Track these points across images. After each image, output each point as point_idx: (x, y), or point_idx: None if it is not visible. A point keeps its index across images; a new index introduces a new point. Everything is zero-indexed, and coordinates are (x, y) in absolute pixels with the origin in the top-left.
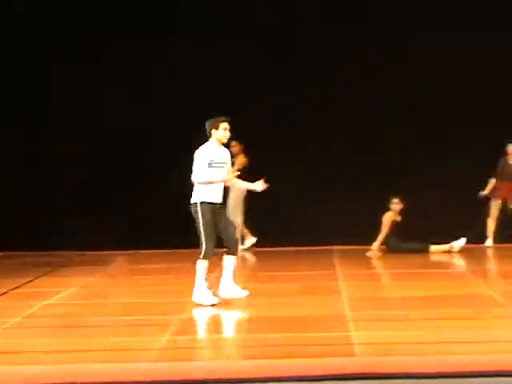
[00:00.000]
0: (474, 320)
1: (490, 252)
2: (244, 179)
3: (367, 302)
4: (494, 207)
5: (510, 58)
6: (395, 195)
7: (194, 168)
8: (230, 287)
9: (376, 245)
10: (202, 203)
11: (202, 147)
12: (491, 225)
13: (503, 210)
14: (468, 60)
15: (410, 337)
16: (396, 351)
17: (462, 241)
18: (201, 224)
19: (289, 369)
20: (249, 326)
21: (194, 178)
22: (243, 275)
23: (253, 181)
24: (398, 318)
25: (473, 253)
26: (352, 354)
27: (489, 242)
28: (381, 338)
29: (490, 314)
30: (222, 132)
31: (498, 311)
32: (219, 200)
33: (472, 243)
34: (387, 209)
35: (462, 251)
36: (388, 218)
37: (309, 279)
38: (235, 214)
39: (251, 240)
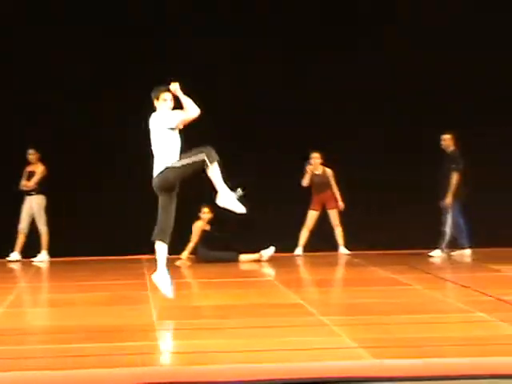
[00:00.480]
0: (283, 328)
1: (299, 261)
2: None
3: (176, 310)
4: (310, 217)
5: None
6: (205, 204)
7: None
8: None
9: (185, 254)
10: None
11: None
12: (304, 234)
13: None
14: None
15: (218, 346)
16: (204, 360)
17: (271, 250)
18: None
19: (98, 380)
20: (56, 336)
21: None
22: (49, 287)
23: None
24: (207, 327)
25: (282, 261)
26: (159, 364)
27: (298, 250)
28: (189, 347)
29: (299, 322)
30: (161, 103)
31: (308, 320)
32: None
33: (281, 252)
34: (197, 218)
35: (270, 260)
36: (198, 228)
37: (118, 289)
38: (41, 222)
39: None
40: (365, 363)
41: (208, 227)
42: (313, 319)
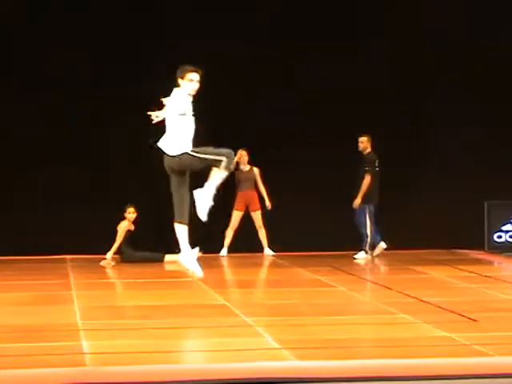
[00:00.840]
0: (207, 329)
1: (224, 261)
2: None
3: (100, 311)
4: (235, 218)
5: None
6: (130, 204)
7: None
8: None
9: (110, 254)
10: None
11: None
12: (229, 234)
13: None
14: None
15: (141, 346)
16: (127, 361)
17: (196, 250)
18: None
19: (21, 380)
20: None
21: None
22: None
23: None
24: (131, 327)
25: (207, 262)
26: (83, 364)
27: (223, 251)
28: (112, 348)
29: (224, 323)
30: (187, 83)
31: (232, 320)
32: None
33: (207, 253)
34: (122, 218)
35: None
36: (123, 228)
37: (42, 288)
38: None
39: None
40: (288, 364)
41: (132, 227)
42: (237, 320)
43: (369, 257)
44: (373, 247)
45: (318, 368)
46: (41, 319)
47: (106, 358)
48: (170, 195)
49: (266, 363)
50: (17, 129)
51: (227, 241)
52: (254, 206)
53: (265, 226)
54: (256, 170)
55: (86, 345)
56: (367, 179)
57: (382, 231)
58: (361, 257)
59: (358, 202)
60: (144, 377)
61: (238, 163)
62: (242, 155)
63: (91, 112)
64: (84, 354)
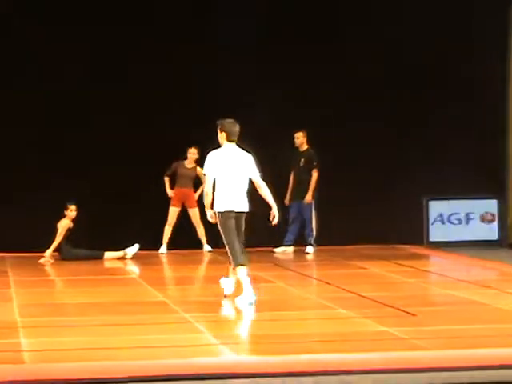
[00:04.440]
0: (146, 325)
1: (163, 258)
2: None
3: (39, 308)
4: (171, 214)
5: None
6: (72, 202)
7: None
8: None
9: (49, 251)
10: None
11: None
12: (168, 231)
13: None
14: None
15: (79, 343)
16: (66, 358)
17: (135, 247)
18: None
19: None
20: None
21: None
22: None
23: None
24: (69, 325)
25: (146, 259)
26: (22, 361)
27: (163, 248)
28: (52, 345)
29: (163, 319)
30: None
31: (171, 317)
32: None
33: (145, 250)
34: (63, 215)
35: (135, 258)
36: (64, 226)
37: None
38: None
39: None
40: (226, 359)
41: (71, 225)
42: (176, 316)
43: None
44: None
45: (256, 363)
46: None
47: (45, 355)
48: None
49: (205, 359)
50: None
51: (166, 238)
52: (191, 203)
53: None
54: (200, 170)
55: (24, 342)
56: (316, 174)
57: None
58: (310, 251)
59: (309, 197)
60: (83, 374)
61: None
62: (191, 152)
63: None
64: (23, 351)
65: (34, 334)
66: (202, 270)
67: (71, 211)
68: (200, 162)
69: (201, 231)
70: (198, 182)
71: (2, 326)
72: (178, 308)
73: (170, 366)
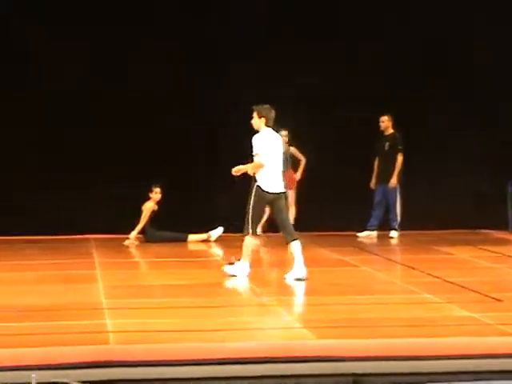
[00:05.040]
0: (230, 308)
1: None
2: None
3: (124, 290)
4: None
5: None
6: (157, 184)
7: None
8: None
9: (134, 234)
10: None
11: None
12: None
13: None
14: None
15: (166, 324)
16: (150, 339)
17: (219, 230)
18: None
19: (46, 357)
20: (10, 314)
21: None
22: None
23: None
24: (155, 306)
25: (230, 242)
26: (107, 342)
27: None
28: (136, 326)
29: (247, 302)
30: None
31: (255, 300)
32: None
33: (230, 232)
34: (148, 198)
35: (218, 240)
36: (148, 208)
37: (66, 267)
38: None
39: None
40: (308, 343)
41: (156, 207)
42: (260, 299)
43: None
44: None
45: (341, 347)
46: (66, 298)
47: (130, 336)
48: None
49: (288, 342)
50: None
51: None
52: (290, 185)
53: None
54: (293, 149)
55: (109, 323)
56: (401, 158)
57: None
58: (394, 235)
59: (394, 181)
60: (167, 355)
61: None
62: (283, 135)
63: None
64: (108, 332)
65: (119, 315)
66: (285, 252)
67: (156, 193)
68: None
69: (292, 212)
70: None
71: (88, 308)
72: (262, 291)
73: (252, 348)
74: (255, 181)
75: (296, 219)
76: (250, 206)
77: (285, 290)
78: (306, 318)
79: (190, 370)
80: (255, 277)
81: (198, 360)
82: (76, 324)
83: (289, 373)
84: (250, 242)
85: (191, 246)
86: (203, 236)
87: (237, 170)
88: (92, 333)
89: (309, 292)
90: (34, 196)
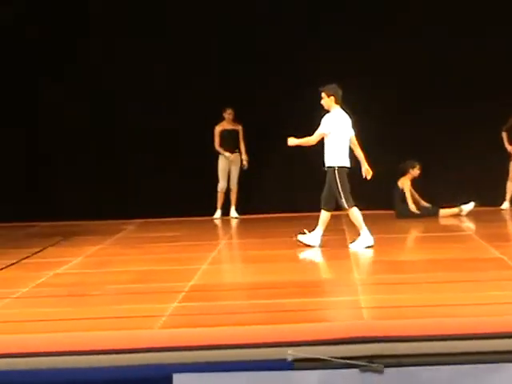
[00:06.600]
0: (483, 282)
1: (504, 215)
2: None
3: (377, 266)
4: None
5: None
6: (419, 161)
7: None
8: None
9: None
10: None
11: None
12: (510, 187)
13: None
14: None
15: (416, 300)
16: (402, 315)
17: (471, 204)
18: None
19: (302, 333)
20: (260, 291)
21: None
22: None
23: None
24: (407, 282)
25: (482, 216)
26: (361, 318)
27: (505, 204)
28: (389, 302)
29: (500, 276)
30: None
31: (509, 274)
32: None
33: (482, 206)
34: (403, 173)
35: (470, 214)
36: (408, 184)
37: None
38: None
39: None
40: None
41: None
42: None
43: None
44: None
45: None
46: (318, 275)
47: (382, 312)
48: None
49: None
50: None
51: (509, 194)
52: None
53: None
54: None
55: (363, 299)
56: None
57: None
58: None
59: None
60: (420, 330)
61: None
62: None
63: None
64: (362, 308)
65: (372, 291)
66: None
67: (417, 169)
68: None
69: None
70: None
71: (342, 284)
72: None
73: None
74: (329, 167)
75: None
76: (339, 190)
77: None
78: None
79: (448, 344)
80: (509, 251)
81: (447, 335)
82: (329, 301)
83: None
84: (355, 212)
85: (442, 221)
86: (455, 210)
87: (292, 143)
88: (348, 309)
89: None
90: None
